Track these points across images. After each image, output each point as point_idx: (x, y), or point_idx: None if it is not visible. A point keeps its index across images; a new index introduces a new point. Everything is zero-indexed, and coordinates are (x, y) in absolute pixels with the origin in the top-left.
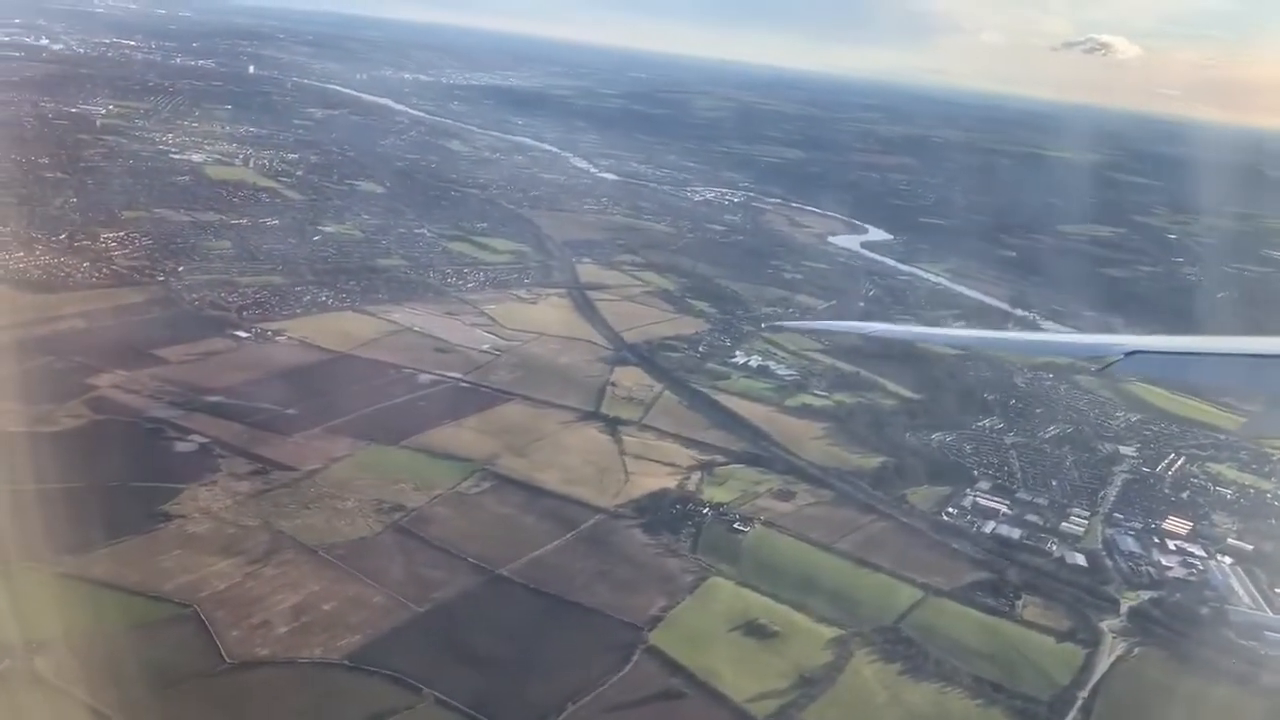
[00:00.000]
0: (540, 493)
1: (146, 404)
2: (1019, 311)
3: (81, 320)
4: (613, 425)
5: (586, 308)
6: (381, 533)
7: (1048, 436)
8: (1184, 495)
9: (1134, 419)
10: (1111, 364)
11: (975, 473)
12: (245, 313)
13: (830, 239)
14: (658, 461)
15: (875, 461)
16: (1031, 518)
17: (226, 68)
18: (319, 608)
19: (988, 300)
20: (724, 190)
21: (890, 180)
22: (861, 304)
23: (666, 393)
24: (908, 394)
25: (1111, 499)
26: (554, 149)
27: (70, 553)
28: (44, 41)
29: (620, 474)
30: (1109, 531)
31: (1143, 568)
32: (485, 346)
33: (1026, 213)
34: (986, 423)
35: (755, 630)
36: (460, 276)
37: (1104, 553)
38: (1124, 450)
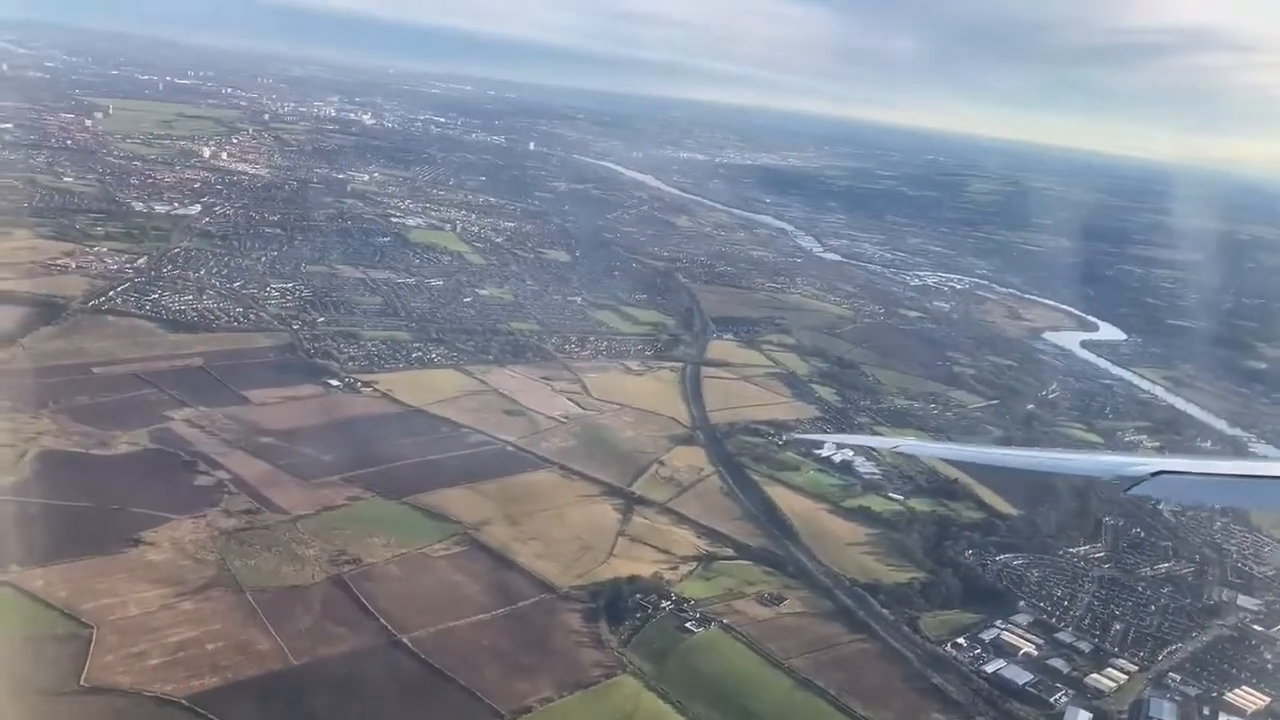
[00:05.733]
0: (504, 563)
1: (201, 439)
2: (1235, 431)
3: (200, 359)
4: (632, 504)
5: (693, 384)
6: (318, 583)
7: (1151, 573)
8: None
9: None
10: (1137, 484)
11: (1021, 604)
12: (350, 363)
13: (1046, 334)
14: (653, 546)
15: (905, 577)
16: (1057, 663)
17: (511, 143)
18: (203, 646)
19: (1199, 415)
20: (951, 276)
21: (1154, 276)
22: (1030, 406)
23: (714, 478)
24: (1003, 509)
25: (1180, 655)
26: (788, 227)
27: (25, 564)
28: (364, 117)
29: (602, 554)
30: (1150, 693)
31: None
32: (558, 413)
33: None
34: (1082, 549)
35: None
36: (582, 344)
37: (1124, 716)
38: (1244, 601)
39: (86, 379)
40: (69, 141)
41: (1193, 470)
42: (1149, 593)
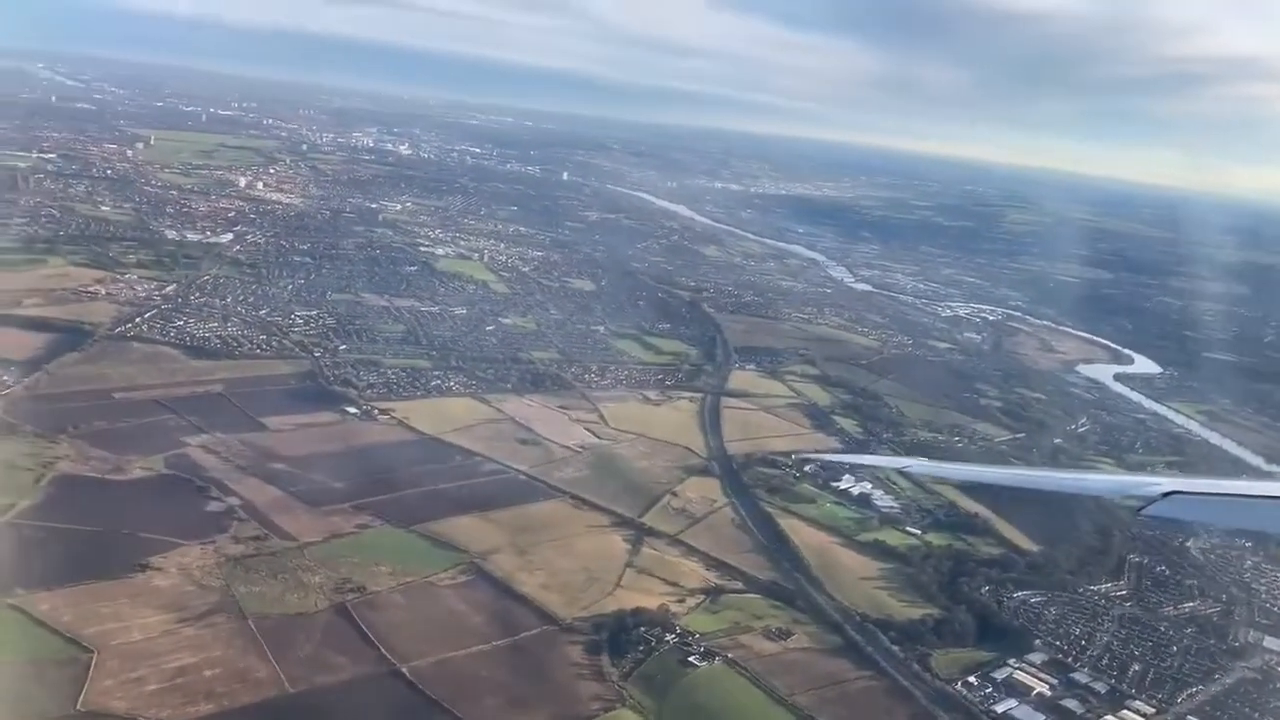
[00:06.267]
0: (509, 594)
1: (216, 465)
2: (1272, 467)
3: (221, 385)
4: (642, 535)
5: (711, 414)
6: (321, 611)
7: (1175, 613)
8: None
9: None
10: (1149, 504)
11: (1037, 642)
12: (369, 391)
13: (1079, 367)
14: (660, 578)
15: (918, 614)
16: (1070, 703)
17: (545, 174)
18: (201, 672)
19: (1234, 450)
20: (983, 307)
21: (1194, 308)
22: (1058, 440)
23: (726, 509)
24: (1023, 544)
25: (1202, 697)
26: (819, 257)
27: (31, 587)
28: (401, 147)
29: (608, 586)
30: None
31: None
32: (573, 443)
33: None
34: (1104, 587)
35: None
36: (602, 373)
37: None
38: (1270, 643)
39: (107, 404)
40: (109, 171)
41: (1206, 490)
42: (1171, 632)
